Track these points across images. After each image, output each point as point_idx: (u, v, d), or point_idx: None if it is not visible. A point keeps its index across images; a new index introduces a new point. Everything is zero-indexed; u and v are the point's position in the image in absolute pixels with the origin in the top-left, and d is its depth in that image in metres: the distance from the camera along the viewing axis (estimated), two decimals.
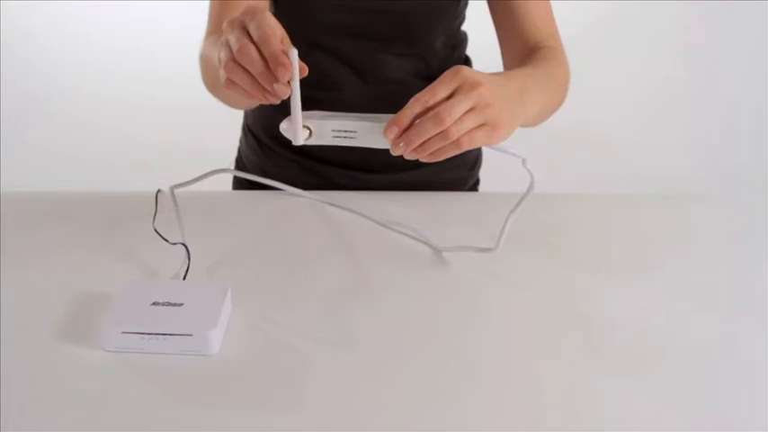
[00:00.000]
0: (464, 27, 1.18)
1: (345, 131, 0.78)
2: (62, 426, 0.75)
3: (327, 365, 0.82)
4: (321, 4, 1.07)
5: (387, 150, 1.17)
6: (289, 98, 1.15)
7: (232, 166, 1.29)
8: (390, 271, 0.97)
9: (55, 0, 3.43)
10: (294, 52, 0.74)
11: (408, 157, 0.79)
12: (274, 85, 0.76)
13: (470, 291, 0.93)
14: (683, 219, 1.10)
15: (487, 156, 1.28)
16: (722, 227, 1.08)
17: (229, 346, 0.84)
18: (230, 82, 0.78)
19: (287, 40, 0.79)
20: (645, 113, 3.01)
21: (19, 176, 2.41)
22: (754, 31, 3.25)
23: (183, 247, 0.96)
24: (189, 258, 0.95)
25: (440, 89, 0.77)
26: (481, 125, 0.77)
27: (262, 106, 1.22)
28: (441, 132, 0.75)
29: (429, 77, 1.14)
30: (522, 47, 1.04)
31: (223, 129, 1.27)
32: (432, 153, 0.79)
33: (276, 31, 0.76)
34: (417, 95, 0.77)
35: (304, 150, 1.18)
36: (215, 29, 1.11)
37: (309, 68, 1.12)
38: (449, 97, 0.76)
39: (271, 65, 0.75)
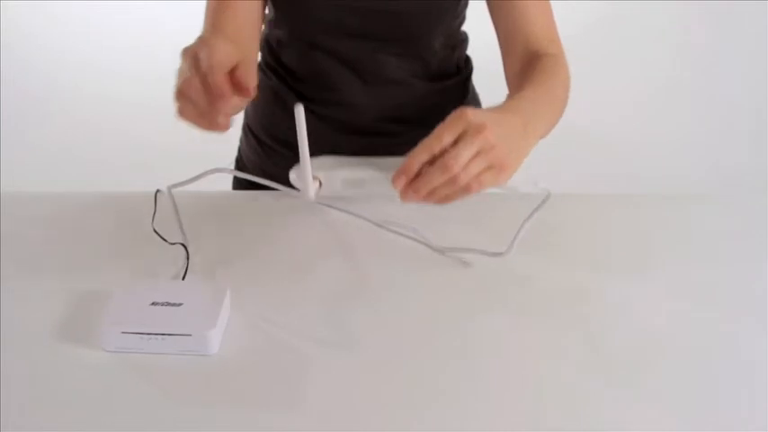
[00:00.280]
0: (465, 27, 1.18)
1: (355, 181, 0.79)
2: (62, 426, 0.75)
3: (327, 365, 0.82)
4: (319, 5, 1.07)
5: (387, 151, 1.18)
6: (289, 98, 1.16)
7: (232, 166, 1.29)
8: (390, 271, 0.96)
9: (55, 0, 3.43)
10: (300, 108, 0.74)
11: (417, 203, 0.79)
12: (218, 119, 0.77)
13: (470, 291, 0.93)
14: (683, 219, 1.10)
15: None
16: (722, 227, 1.08)
17: (229, 346, 0.84)
18: (181, 112, 0.79)
19: (247, 66, 0.80)
20: (645, 113, 3.01)
21: (19, 176, 2.41)
22: (754, 31, 3.25)
23: (183, 248, 0.96)
24: (188, 258, 0.95)
25: (445, 135, 0.77)
26: (488, 167, 0.77)
27: (262, 106, 1.22)
28: (449, 179, 0.76)
29: (429, 77, 1.15)
30: (523, 52, 1.04)
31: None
32: (441, 198, 0.79)
33: (224, 61, 0.77)
34: (424, 142, 0.77)
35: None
36: (211, 29, 1.12)
37: (310, 69, 1.13)
38: (455, 141, 0.77)
39: (212, 96, 0.76)
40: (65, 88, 3.12)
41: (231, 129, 1.30)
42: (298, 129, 0.74)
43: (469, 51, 1.22)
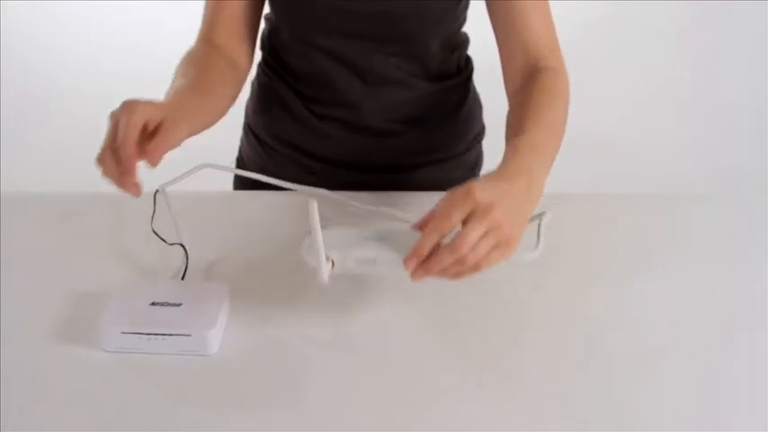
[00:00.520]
0: (465, 27, 1.18)
1: (367, 260, 0.81)
2: (62, 426, 0.75)
3: (327, 365, 0.82)
4: (315, 5, 1.07)
5: (387, 151, 1.18)
6: (290, 97, 1.16)
7: (232, 166, 1.29)
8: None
9: (55, 0, 3.43)
10: (313, 204, 0.76)
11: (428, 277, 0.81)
12: (129, 188, 0.84)
13: (470, 290, 0.93)
14: (683, 219, 1.10)
15: (488, 156, 1.28)
16: (722, 227, 1.08)
17: (228, 346, 0.84)
18: (102, 173, 0.85)
19: (170, 124, 0.85)
20: (645, 113, 3.01)
21: (19, 176, 2.41)
22: (754, 31, 3.24)
23: (182, 248, 0.96)
24: (187, 258, 0.95)
25: (454, 215, 0.78)
26: (496, 245, 0.79)
27: (263, 105, 1.22)
28: (458, 259, 0.78)
29: (428, 78, 1.15)
30: (522, 62, 1.04)
31: (223, 128, 1.27)
32: (451, 275, 0.80)
33: (133, 135, 0.83)
34: (432, 223, 0.79)
35: (305, 149, 1.18)
36: (209, 28, 1.12)
37: (309, 69, 1.13)
38: (464, 220, 0.79)
39: (120, 169, 0.83)
40: (65, 88, 3.11)
41: (231, 129, 1.31)
42: (311, 221, 0.77)
43: (470, 51, 1.22)
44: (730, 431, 0.76)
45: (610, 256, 1.01)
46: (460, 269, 0.78)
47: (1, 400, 0.77)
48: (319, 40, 1.10)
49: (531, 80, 1.01)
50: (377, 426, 0.75)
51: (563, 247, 1.00)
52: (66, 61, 3.27)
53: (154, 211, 1.01)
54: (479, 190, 0.78)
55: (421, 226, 0.83)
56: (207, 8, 1.13)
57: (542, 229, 0.89)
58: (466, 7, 1.13)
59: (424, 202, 1.09)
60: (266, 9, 1.15)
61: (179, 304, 0.85)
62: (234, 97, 1.10)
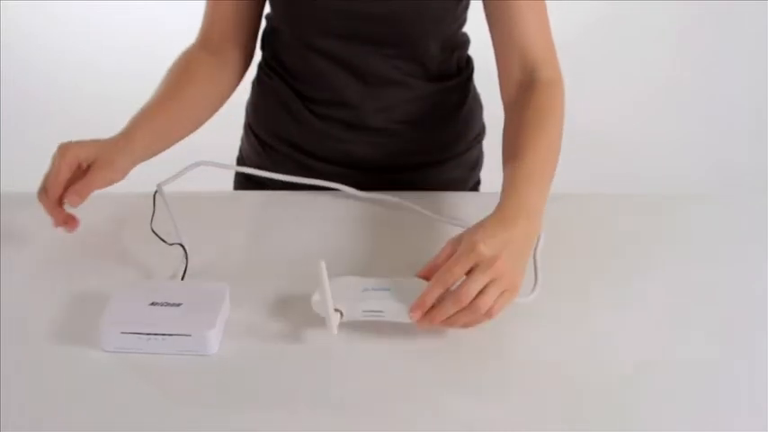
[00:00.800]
0: (465, 27, 1.17)
1: (374, 311, 0.85)
2: (62, 426, 0.75)
3: (326, 365, 0.82)
4: (314, 7, 1.07)
5: (387, 151, 1.18)
6: (290, 98, 1.16)
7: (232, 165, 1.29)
8: (391, 271, 0.96)
9: (55, 0, 3.43)
10: (321, 264, 0.81)
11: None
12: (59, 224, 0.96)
13: None
14: (683, 219, 1.10)
15: (488, 156, 1.28)
16: (722, 227, 1.08)
17: (228, 347, 0.84)
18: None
19: (102, 164, 0.96)
20: (645, 113, 3.01)
21: (19, 176, 2.40)
22: (754, 31, 3.24)
23: (181, 248, 0.96)
24: (187, 258, 0.95)
25: (458, 269, 0.82)
26: (502, 293, 0.82)
27: (263, 105, 1.22)
28: (469, 306, 0.81)
29: (428, 79, 1.15)
30: (519, 74, 1.04)
31: (224, 128, 1.27)
32: (462, 324, 0.84)
33: (61, 179, 0.94)
34: (437, 276, 0.82)
35: (305, 149, 1.18)
36: (207, 27, 1.14)
37: (309, 69, 1.13)
38: (468, 270, 0.82)
39: (52, 207, 0.95)
40: (65, 88, 3.11)
41: (231, 128, 1.31)
42: (320, 280, 0.81)
43: (470, 51, 1.21)
44: (730, 431, 0.76)
45: (610, 256, 1.01)
46: (474, 317, 0.82)
47: (1, 400, 0.77)
48: (319, 40, 1.10)
49: (526, 94, 1.02)
50: (377, 426, 0.75)
51: (563, 247, 1.00)
52: (66, 61, 3.26)
53: (153, 211, 1.01)
54: (483, 244, 0.82)
55: (424, 274, 0.87)
56: (206, 7, 1.14)
57: (538, 264, 0.92)
58: (466, 7, 1.13)
59: (424, 201, 1.09)
60: (267, 9, 1.16)
61: (179, 304, 0.85)
62: (219, 100, 1.13)
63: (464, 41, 1.19)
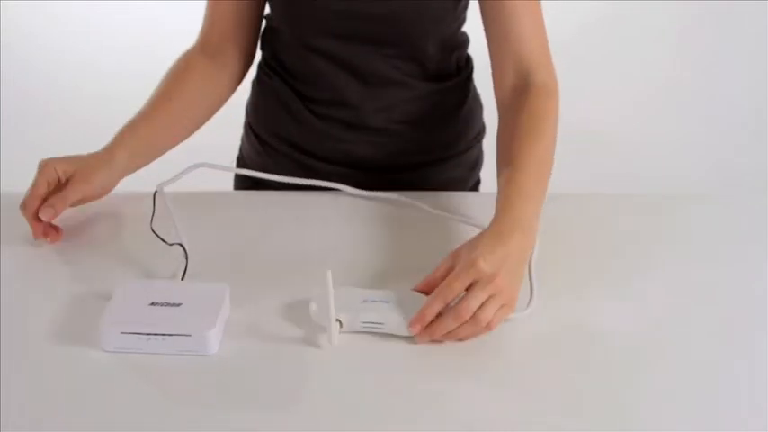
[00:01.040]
0: (465, 27, 1.17)
1: (373, 323, 0.86)
2: (62, 426, 0.75)
3: (326, 366, 0.82)
4: (314, 8, 1.07)
5: (387, 151, 1.18)
6: (290, 98, 1.16)
7: (233, 165, 1.29)
8: (391, 270, 0.96)
9: (55, 0, 3.42)
10: (329, 275, 0.82)
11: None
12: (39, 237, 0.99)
13: None
14: (683, 219, 1.10)
15: (488, 155, 1.28)
16: (722, 227, 1.08)
17: (228, 347, 0.84)
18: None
19: (79, 179, 0.99)
20: (645, 113, 3.00)
21: (19, 176, 2.40)
22: (754, 31, 3.24)
23: (181, 248, 0.96)
24: (186, 258, 0.95)
25: (458, 285, 0.84)
26: (500, 307, 0.85)
27: (263, 104, 1.22)
28: (470, 321, 0.83)
29: (427, 78, 1.15)
30: (513, 77, 1.04)
31: (224, 128, 1.27)
32: (462, 337, 0.85)
33: (41, 193, 0.98)
34: (437, 291, 0.84)
35: (305, 149, 1.18)
36: (206, 28, 1.14)
37: (309, 69, 1.13)
38: (467, 286, 0.84)
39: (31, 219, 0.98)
40: (65, 88, 3.11)
41: (231, 128, 1.31)
42: (326, 290, 0.82)
43: (470, 51, 1.21)
44: (730, 431, 0.76)
45: (610, 256, 1.01)
46: (473, 331, 0.84)
47: (1, 400, 0.77)
48: (319, 40, 1.10)
49: (521, 98, 1.02)
50: (377, 426, 0.75)
51: (563, 247, 1.00)
52: (66, 61, 3.26)
53: (153, 211, 1.01)
54: (483, 260, 0.84)
55: (422, 288, 0.89)
56: (206, 8, 1.14)
57: (533, 277, 0.93)
58: (465, 7, 1.13)
59: (423, 201, 1.09)
60: (267, 9, 1.16)
61: (179, 304, 0.85)
62: (216, 104, 1.14)
63: (463, 41, 1.19)
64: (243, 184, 1.26)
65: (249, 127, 1.26)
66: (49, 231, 0.99)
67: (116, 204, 1.08)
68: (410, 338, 0.85)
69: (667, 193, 1.20)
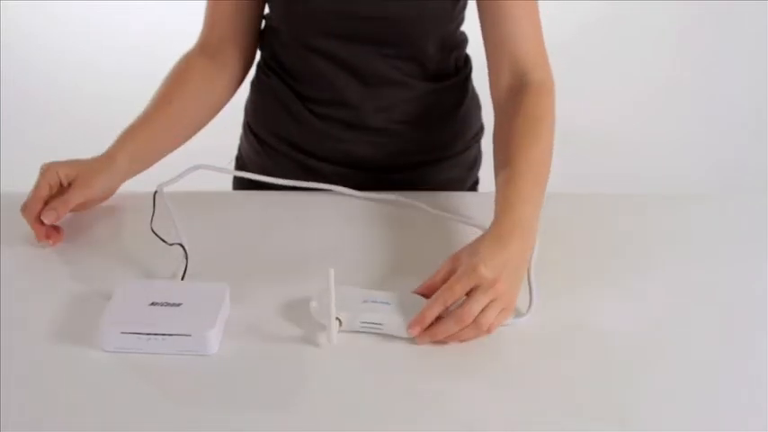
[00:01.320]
0: (464, 27, 1.17)
1: (373, 324, 0.86)
2: (62, 426, 0.75)
3: (326, 365, 0.82)
4: (313, 8, 1.07)
5: (387, 151, 1.18)
6: (289, 98, 1.16)
7: (232, 165, 1.29)
8: (390, 269, 0.96)
9: (55, 0, 3.43)
10: (331, 273, 0.82)
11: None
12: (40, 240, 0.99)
13: None
14: (683, 219, 1.10)
15: (487, 155, 1.28)
16: (722, 227, 1.08)
17: (228, 347, 0.84)
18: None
19: (81, 183, 0.99)
20: (645, 113, 3.01)
21: (19, 176, 2.40)
22: (754, 31, 3.24)
23: (181, 248, 0.96)
24: (186, 258, 0.95)
25: (459, 289, 0.84)
26: (500, 310, 0.85)
27: (263, 104, 1.22)
28: (471, 324, 0.83)
29: (426, 78, 1.15)
30: (509, 77, 1.04)
31: (224, 128, 1.27)
32: (463, 339, 0.86)
33: (43, 195, 0.98)
34: (437, 295, 0.85)
35: (305, 149, 1.18)
36: (206, 29, 1.14)
37: (308, 70, 1.13)
38: (468, 290, 0.84)
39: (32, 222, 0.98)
40: (65, 88, 3.11)
41: (231, 128, 1.31)
42: (328, 288, 0.82)
43: (469, 51, 1.21)
44: (730, 431, 0.76)
45: (610, 256, 1.01)
46: (473, 333, 0.84)
47: (1, 400, 0.77)
48: (318, 41, 1.10)
49: (517, 98, 1.02)
50: (376, 426, 0.75)
51: (563, 246, 1.00)
52: (66, 61, 3.26)
53: (153, 212, 1.01)
54: (483, 266, 0.84)
55: (422, 291, 0.89)
56: (206, 9, 1.14)
57: (532, 281, 0.93)
58: (464, 7, 1.13)
59: (422, 201, 1.09)
60: (267, 9, 1.16)
61: (179, 304, 0.85)
62: (215, 106, 1.14)
63: (462, 41, 1.19)
64: (242, 184, 1.26)
65: (248, 127, 1.26)
66: (51, 233, 0.99)
67: (116, 204, 1.08)
68: (410, 339, 0.85)
69: (667, 193, 1.20)
